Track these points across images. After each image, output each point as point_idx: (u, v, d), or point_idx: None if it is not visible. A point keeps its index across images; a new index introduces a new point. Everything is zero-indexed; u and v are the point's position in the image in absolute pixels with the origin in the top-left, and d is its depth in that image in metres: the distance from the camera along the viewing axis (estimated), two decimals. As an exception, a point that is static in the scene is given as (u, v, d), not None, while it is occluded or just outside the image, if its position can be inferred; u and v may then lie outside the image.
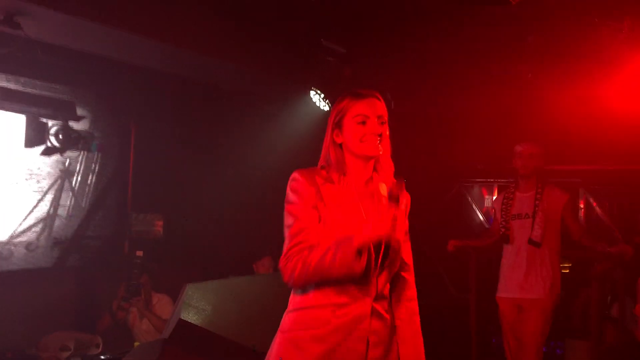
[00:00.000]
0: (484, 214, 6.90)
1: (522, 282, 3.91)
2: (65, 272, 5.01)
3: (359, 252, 1.86)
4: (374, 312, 1.98)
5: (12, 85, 4.54)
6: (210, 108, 5.75)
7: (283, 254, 1.95)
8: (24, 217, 4.71)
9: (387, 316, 2.03)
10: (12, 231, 4.64)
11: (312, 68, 5.02)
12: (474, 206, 6.93)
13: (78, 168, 5.09)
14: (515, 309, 3.99)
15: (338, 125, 2.06)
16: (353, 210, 2.00)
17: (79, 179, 5.09)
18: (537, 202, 3.91)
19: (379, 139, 2.01)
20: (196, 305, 3.22)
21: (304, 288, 1.98)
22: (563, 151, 5.36)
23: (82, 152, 5.06)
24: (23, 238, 4.70)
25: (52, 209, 4.90)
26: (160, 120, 5.43)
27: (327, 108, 5.32)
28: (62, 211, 4.98)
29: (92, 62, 4.58)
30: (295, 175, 2.04)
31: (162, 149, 5.44)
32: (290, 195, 2.01)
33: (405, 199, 2.14)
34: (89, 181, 5.15)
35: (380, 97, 2.07)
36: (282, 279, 1.95)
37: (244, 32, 4.61)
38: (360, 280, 1.93)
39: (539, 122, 5.14)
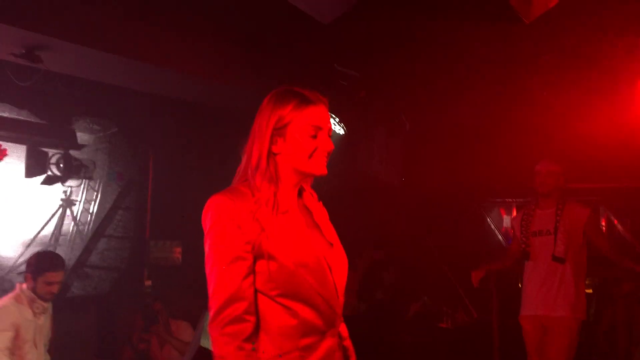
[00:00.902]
0: (502, 234, 6.82)
1: (545, 299, 3.81)
2: (69, 301, 4.93)
3: None
4: (339, 342, 1.70)
5: (10, 114, 4.48)
6: (226, 134, 5.78)
7: (211, 317, 1.54)
8: (25, 247, 4.61)
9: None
10: (13, 262, 4.55)
11: (326, 92, 5.05)
12: (492, 226, 6.86)
13: (80, 197, 5.03)
14: (540, 329, 3.87)
15: (280, 132, 1.66)
16: (305, 236, 1.65)
17: (81, 207, 5.04)
18: (557, 217, 3.83)
19: (327, 156, 1.69)
20: (216, 333, 3.19)
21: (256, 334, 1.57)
22: (581, 169, 5.31)
23: (83, 181, 4.97)
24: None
25: (53, 238, 4.82)
26: (178, 147, 5.47)
27: (342, 132, 5.32)
28: (63, 240, 4.89)
29: (107, 91, 4.63)
30: (218, 202, 1.59)
31: (179, 176, 5.47)
32: (213, 232, 1.57)
33: (323, 209, 1.84)
34: (91, 210, 5.10)
35: (327, 105, 1.74)
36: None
37: (259, 58, 4.66)
38: (327, 312, 1.62)
39: (556, 140, 5.11)
